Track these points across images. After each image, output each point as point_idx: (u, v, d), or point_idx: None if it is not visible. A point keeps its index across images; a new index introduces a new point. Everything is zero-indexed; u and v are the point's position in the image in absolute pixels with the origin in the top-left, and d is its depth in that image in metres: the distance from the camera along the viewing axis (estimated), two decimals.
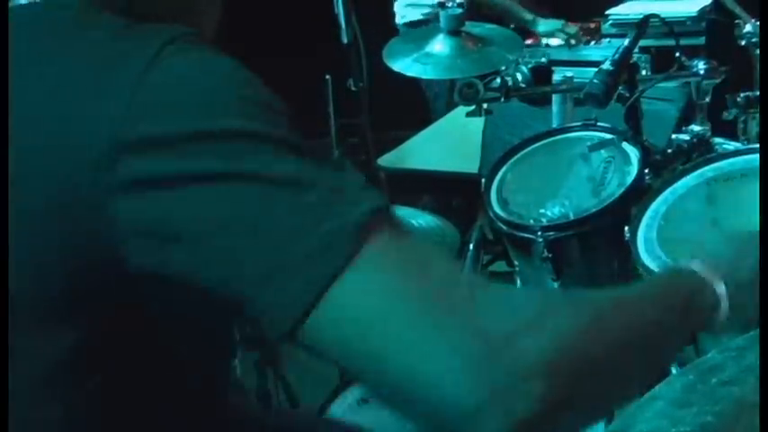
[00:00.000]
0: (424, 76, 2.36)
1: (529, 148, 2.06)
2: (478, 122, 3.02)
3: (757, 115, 1.95)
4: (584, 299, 0.77)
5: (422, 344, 0.68)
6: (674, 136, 1.98)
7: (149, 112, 0.74)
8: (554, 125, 2.22)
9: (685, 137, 1.95)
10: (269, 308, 0.73)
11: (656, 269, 1.59)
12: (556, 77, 2.26)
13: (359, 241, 0.71)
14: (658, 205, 1.72)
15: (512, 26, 3.41)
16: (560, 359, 0.69)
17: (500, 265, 2.99)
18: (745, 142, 1.95)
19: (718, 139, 1.97)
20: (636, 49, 1.98)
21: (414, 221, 2.19)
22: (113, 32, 0.81)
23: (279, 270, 0.71)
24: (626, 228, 1.68)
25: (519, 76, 2.13)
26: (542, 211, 1.86)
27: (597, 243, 1.84)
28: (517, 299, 0.76)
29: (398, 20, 3.63)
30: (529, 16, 3.53)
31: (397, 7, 3.62)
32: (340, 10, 2.38)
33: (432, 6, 3.33)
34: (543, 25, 3.50)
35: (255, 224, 0.72)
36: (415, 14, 3.51)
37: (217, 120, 0.75)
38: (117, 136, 0.74)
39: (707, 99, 1.99)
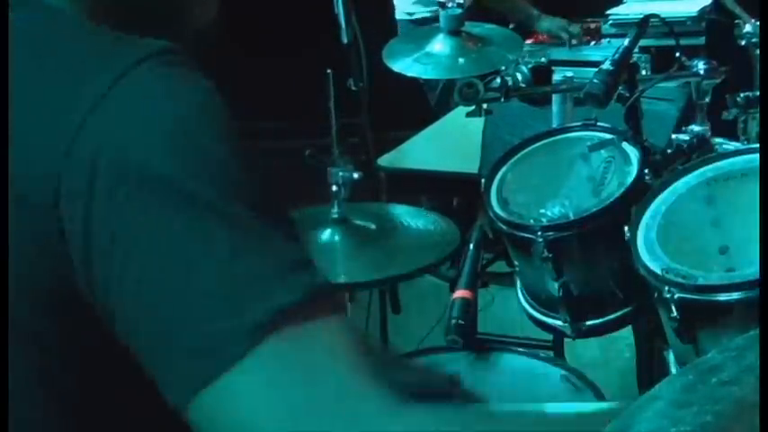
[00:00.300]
0: (424, 76, 2.37)
1: (529, 148, 2.06)
2: (478, 122, 3.02)
3: (757, 115, 1.95)
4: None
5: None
6: (674, 136, 1.98)
7: (96, 138, 0.73)
8: (554, 125, 2.22)
9: (685, 137, 1.95)
10: (159, 379, 0.72)
11: (656, 269, 1.59)
12: (556, 77, 2.26)
13: (251, 343, 0.68)
14: (658, 205, 1.72)
15: (511, 26, 3.41)
16: None
17: (500, 265, 3.00)
18: (745, 142, 1.95)
19: (718, 139, 1.97)
20: (636, 49, 1.98)
21: (414, 221, 2.19)
22: (93, 45, 0.80)
23: (166, 353, 0.70)
24: (626, 228, 1.68)
25: (519, 76, 2.13)
26: (542, 211, 1.86)
27: (597, 243, 1.84)
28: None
29: (400, 15, 3.62)
30: (534, 12, 3.53)
31: (398, 1, 3.61)
32: (340, 10, 2.39)
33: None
34: (547, 22, 3.49)
35: (160, 294, 0.70)
36: (424, 11, 3.51)
37: (153, 169, 0.72)
38: (61, 157, 0.73)
39: (707, 99, 1.99)
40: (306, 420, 0.67)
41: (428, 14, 3.46)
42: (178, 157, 0.73)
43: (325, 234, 2.01)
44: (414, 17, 3.59)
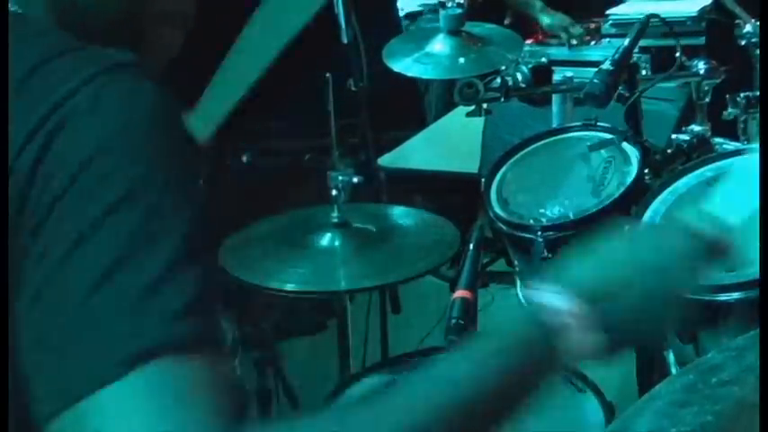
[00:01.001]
0: (424, 76, 2.36)
1: (529, 148, 2.06)
2: (478, 122, 3.02)
3: (757, 115, 1.95)
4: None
5: None
6: (674, 136, 1.98)
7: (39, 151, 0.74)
8: (554, 125, 2.22)
9: (685, 137, 1.95)
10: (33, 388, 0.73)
11: None
12: (556, 77, 2.26)
13: (126, 366, 0.69)
14: (658, 205, 1.72)
15: (507, 21, 3.41)
16: None
17: (500, 265, 3.00)
18: (745, 142, 1.95)
19: (718, 139, 1.97)
20: (636, 49, 1.98)
21: (414, 223, 2.19)
22: (59, 50, 0.81)
23: (44, 364, 0.72)
24: (626, 227, 1.67)
25: (519, 76, 2.13)
26: (542, 211, 1.86)
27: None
28: None
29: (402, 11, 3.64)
30: (539, 4, 3.48)
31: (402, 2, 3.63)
32: (340, 10, 2.38)
33: None
34: (549, 18, 3.45)
35: (59, 307, 0.72)
36: (413, 5, 3.51)
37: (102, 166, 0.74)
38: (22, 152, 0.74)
39: (707, 99, 1.99)
40: None
41: (417, 8, 3.46)
42: (109, 175, 0.74)
43: (326, 239, 2.01)
44: (404, 13, 3.59)
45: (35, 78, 0.79)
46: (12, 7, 0.87)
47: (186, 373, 0.71)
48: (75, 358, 0.71)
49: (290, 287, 1.88)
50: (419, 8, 3.46)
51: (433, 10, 2.46)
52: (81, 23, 0.88)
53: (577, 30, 3.36)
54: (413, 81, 2.89)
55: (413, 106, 3.62)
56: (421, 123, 3.60)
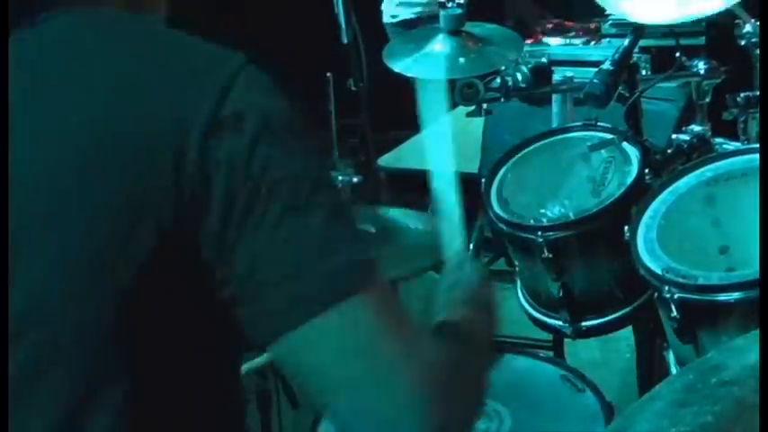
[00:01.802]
0: (424, 77, 2.36)
1: (529, 148, 2.06)
2: (478, 122, 3.02)
3: (757, 115, 1.95)
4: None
5: (389, 384, 0.81)
6: (674, 136, 1.98)
7: (232, 124, 0.83)
8: (554, 125, 2.22)
9: (685, 137, 1.95)
10: (248, 319, 0.83)
11: (656, 269, 1.59)
12: (556, 77, 2.26)
13: (360, 282, 0.84)
14: (658, 205, 1.72)
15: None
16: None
17: (500, 265, 2.99)
18: (745, 142, 1.95)
19: (718, 139, 1.97)
20: (636, 49, 1.98)
21: (413, 223, 2.18)
22: (173, 42, 0.89)
23: (287, 280, 0.81)
24: (626, 228, 1.68)
25: (519, 76, 2.13)
26: (542, 211, 1.86)
27: (597, 243, 1.84)
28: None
29: (386, 18, 3.57)
30: (536, 12, 3.56)
31: (384, 5, 3.56)
32: (340, 10, 2.39)
33: (424, 5, 3.31)
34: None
35: (287, 239, 0.82)
36: (408, 13, 3.48)
37: (283, 149, 0.85)
38: (202, 137, 0.82)
39: (707, 99, 1.99)
40: (406, 356, 0.83)
41: (412, 16, 3.43)
42: (298, 147, 0.87)
43: None
44: (397, 20, 3.54)
45: (187, 69, 0.87)
46: None
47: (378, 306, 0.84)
48: (297, 286, 0.81)
49: None
50: (413, 16, 3.42)
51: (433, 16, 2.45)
52: None
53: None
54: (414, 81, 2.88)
55: (413, 106, 3.61)
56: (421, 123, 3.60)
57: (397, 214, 2.24)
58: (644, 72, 2.29)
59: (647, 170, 1.83)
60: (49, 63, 0.87)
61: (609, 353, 2.85)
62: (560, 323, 1.90)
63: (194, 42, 0.89)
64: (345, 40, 2.42)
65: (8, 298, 0.81)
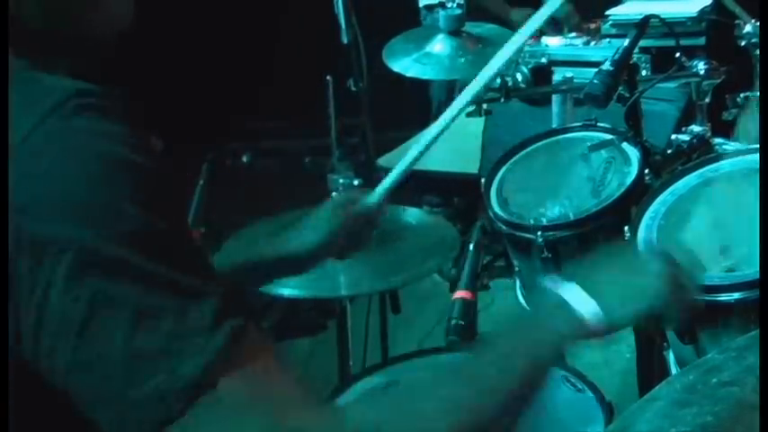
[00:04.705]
0: (423, 77, 2.36)
1: (529, 149, 2.06)
2: (478, 123, 3.02)
3: (756, 115, 1.95)
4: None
5: None
6: (674, 136, 1.97)
7: (24, 195, 0.77)
8: (554, 125, 2.22)
9: (685, 137, 1.95)
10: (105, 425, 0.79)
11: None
12: (556, 77, 2.26)
13: (188, 398, 0.76)
14: (658, 205, 1.72)
15: None
16: None
17: (500, 266, 3.00)
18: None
19: (718, 139, 1.96)
20: (636, 50, 1.98)
21: (413, 223, 2.18)
22: (16, 80, 0.83)
23: (111, 406, 0.78)
24: (626, 228, 1.68)
25: (519, 76, 2.13)
26: (542, 211, 1.86)
27: (597, 243, 1.84)
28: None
29: (421, 2, 3.67)
30: (505, 8, 3.59)
31: None
32: (340, 10, 2.38)
33: None
34: (516, 14, 3.54)
35: (102, 353, 0.77)
36: None
37: (79, 230, 0.77)
38: None
39: (707, 99, 1.99)
40: None
41: (436, 1, 3.47)
42: (90, 222, 0.77)
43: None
44: (424, 2, 3.63)
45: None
46: None
47: (250, 380, 0.79)
48: (145, 394, 0.76)
49: (287, 293, 1.87)
50: (437, 0, 3.47)
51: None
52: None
53: None
54: (414, 81, 2.88)
55: (413, 106, 3.62)
56: (421, 123, 3.60)
57: (397, 214, 2.24)
58: (644, 72, 2.28)
59: (647, 170, 1.83)
60: None
61: (609, 353, 2.85)
62: None
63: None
64: (345, 41, 2.42)
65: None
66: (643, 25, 2.00)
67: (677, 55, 2.01)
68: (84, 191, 0.78)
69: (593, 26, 3.30)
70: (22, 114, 0.80)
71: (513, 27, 3.22)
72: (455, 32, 2.31)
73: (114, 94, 0.83)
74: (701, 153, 1.90)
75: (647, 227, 1.68)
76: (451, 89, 3.13)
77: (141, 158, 0.81)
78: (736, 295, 1.49)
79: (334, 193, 2.00)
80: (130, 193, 0.79)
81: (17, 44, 0.87)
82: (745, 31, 2.01)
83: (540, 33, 3.36)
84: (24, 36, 0.88)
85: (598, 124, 2.02)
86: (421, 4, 3.67)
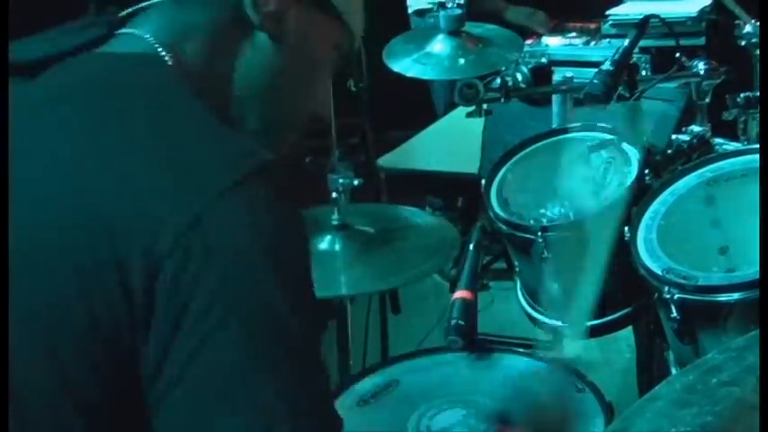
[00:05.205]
0: (423, 77, 2.36)
1: (529, 149, 2.06)
2: (478, 123, 3.02)
3: (757, 115, 1.95)
4: None
5: None
6: (674, 136, 1.97)
7: (192, 258, 0.77)
8: (554, 125, 2.22)
9: (685, 137, 1.95)
10: None
11: (656, 269, 1.59)
12: (556, 77, 2.26)
13: None
14: (658, 205, 1.72)
15: None
16: None
17: (500, 266, 2.99)
18: (745, 142, 1.95)
19: (718, 140, 1.97)
20: (636, 50, 1.98)
21: (414, 223, 2.18)
22: (198, 135, 0.84)
23: None
24: (626, 228, 1.68)
25: (519, 76, 2.13)
26: (542, 211, 1.86)
27: (597, 243, 1.84)
28: None
29: (411, 8, 3.65)
30: (502, 4, 3.58)
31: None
32: None
33: None
34: (512, 12, 3.54)
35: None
36: (422, 2, 3.52)
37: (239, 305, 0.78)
38: (153, 258, 0.77)
39: (707, 99, 1.99)
40: None
41: (428, 6, 3.46)
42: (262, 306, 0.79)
43: (325, 242, 2.00)
44: (413, 8, 3.61)
45: (186, 161, 0.82)
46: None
47: None
48: None
49: None
50: (428, 5, 3.46)
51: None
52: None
53: (540, 15, 3.44)
54: (415, 81, 2.88)
55: (413, 106, 3.62)
56: (421, 123, 3.61)
57: (397, 214, 2.24)
58: (644, 72, 2.28)
59: (647, 170, 1.83)
60: (53, 116, 0.86)
61: (609, 353, 2.85)
62: (560, 323, 1.89)
63: (202, 138, 0.85)
64: None
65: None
66: (643, 25, 2.00)
67: (677, 55, 2.01)
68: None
69: (593, 26, 3.30)
70: (220, 170, 0.81)
71: (509, 26, 3.25)
72: (455, 32, 2.31)
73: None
74: (701, 153, 1.90)
75: (647, 227, 1.68)
76: (453, 89, 3.13)
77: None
78: (736, 295, 1.49)
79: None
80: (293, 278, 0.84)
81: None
82: (745, 31, 2.01)
83: (539, 34, 3.37)
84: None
85: (598, 124, 2.02)
86: (410, 10, 3.64)
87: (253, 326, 0.78)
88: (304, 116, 1.03)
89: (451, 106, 3.46)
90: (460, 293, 1.73)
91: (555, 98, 2.25)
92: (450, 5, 2.34)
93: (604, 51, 2.78)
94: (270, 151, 0.86)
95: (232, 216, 0.79)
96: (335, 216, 2.01)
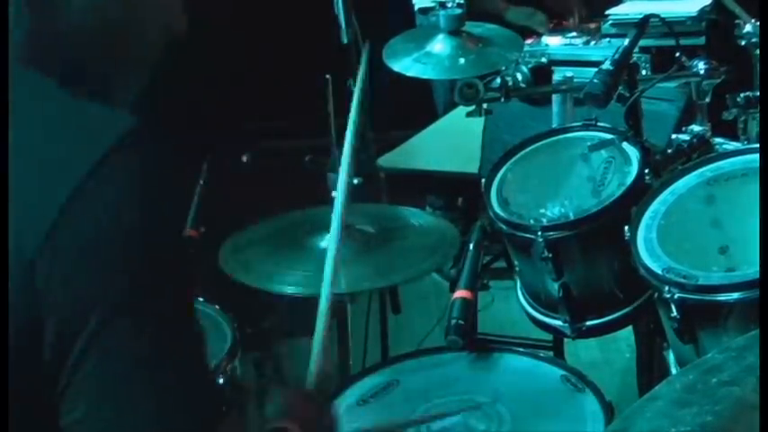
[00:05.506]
0: (423, 76, 2.36)
1: (529, 148, 2.06)
2: (478, 122, 3.02)
3: (757, 115, 1.95)
4: None
5: None
6: (674, 136, 1.98)
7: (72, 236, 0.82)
8: (554, 125, 2.22)
9: (685, 137, 1.95)
10: None
11: (656, 269, 1.59)
12: (556, 77, 2.26)
13: None
14: (658, 205, 1.72)
15: None
16: None
17: (500, 266, 2.99)
18: (745, 142, 1.95)
19: (718, 139, 1.97)
20: (636, 49, 1.98)
21: (414, 223, 2.18)
22: (62, 109, 0.87)
23: None
24: (626, 228, 1.68)
25: (519, 76, 2.13)
26: (542, 211, 1.86)
27: (597, 243, 1.84)
28: None
29: (416, 6, 3.66)
30: (502, 4, 3.59)
31: None
32: (340, 10, 2.38)
33: None
34: (512, 13, 3.54)
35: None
36: (426, 0, 3.52)
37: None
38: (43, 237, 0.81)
39: (707, 99, 1.99)
40: None
41: (431, 4, 3.47)
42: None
43: (325, 241, 2.00)
44: (418, 5, 3.62)
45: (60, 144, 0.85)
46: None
47: None
48: None
49: (290, 290, 1.87)
50: (432, 3, 3.46)
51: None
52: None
53: (540, 16, 3.44)
54: (414, 81, 2.88)
55: (412, 106, 3.62)
56: (422, 123, 3.61)
57: (396, 214, 2.24)
58: (644, 72, 2.28)
59: (647, 170, 1.83)
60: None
61: (609, 353, 2.85)
62: (560, 323, 1.90)
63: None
64: (345, 41, 2.42)
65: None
66: (643, 25, 2.00)
67: (677, 55, 2.01)
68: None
69: (593, 26, 3.30)
70: (80, 150, 0.84)
71: (509, 26, 3.25)
72: (455, 32, 2.31)
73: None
74: (701, 153, 1.90)
75: (647, 227, 1.68)
76: (453, 89, 3.13)
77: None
78: (736, 295, 1.49)
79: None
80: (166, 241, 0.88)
81: (64, 75, 0.90)
82: (745, 30, 2.01)
83: (539, 34, 3.37)
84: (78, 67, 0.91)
85: (598, 124, 2.02)
86: (416, 8, 3.66)
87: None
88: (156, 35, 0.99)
89: (452, 106, 3.46)
90: (460, 293, 1.73)
91: (555, 98, 2.25)
92: (450, 5, 2.34)
93: (604, 51, 2.78)
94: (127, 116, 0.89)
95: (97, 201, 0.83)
96: None
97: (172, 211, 0.89)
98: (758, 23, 2.00)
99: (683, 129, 1.99)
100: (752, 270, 1.51)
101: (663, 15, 2.15)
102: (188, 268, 0.92)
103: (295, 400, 1.18)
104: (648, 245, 1.64)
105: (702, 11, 2.96)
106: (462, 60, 2.27)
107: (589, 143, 1.97)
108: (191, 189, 0.91)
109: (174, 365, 0.86)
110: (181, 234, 0.90)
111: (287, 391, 1.21)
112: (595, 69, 1.90)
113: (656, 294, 1.60)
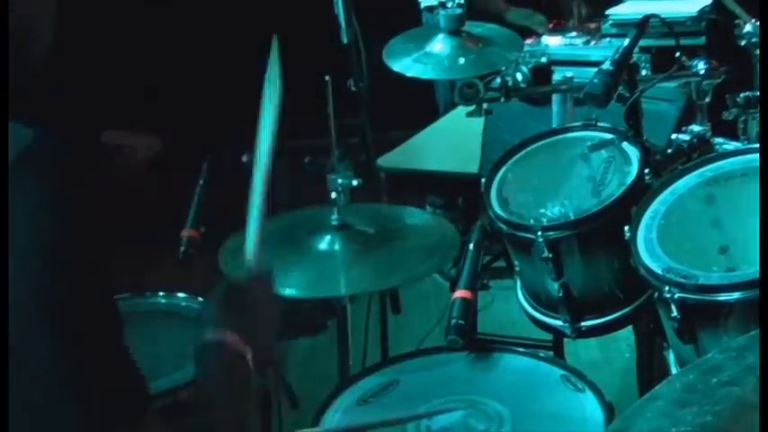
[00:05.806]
0: (423, 76, 2.36)
1: (529, 148, 2.06)
2: (479, 122, 3.02)
3: (757, 115, 1.95)
4: None
5: None
6: (674, 136, 1.97)
7: None
8: (554, 125, 2.22)
9: (685, 137, 1.95)
10: None
11: (656, 269, 1.59)
12: (556, 77, 2.26)
13: None
14: (658, 205, 1.72)
15: None
16: None
17: (500, 265, 2.99)
18: (745, 142, 1.95)
19: (718, 139, 1.97)
20: (636, 49, 1.98)
21: (414, 223, 2.18)
22: None
23: None
24: (626, 228, 1.68)
25: (519, 76, 2.13)
26: (542, 210, 1.86)
27: (597, 243, 1.84)
28: None
29: (423, 3, 3.67)
30: (503, 5, 3.60)
31: None
32: (340, 10, 2.38)
33: None
34: (512, 14, 3.55)
35: None
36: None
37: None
38: None
39: (707, 99, 1.99)
40: None
41: (436, 2, 3.48)
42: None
43: (325, 242, 2.00)
44: (424, 3, 3.63)
45: None
46: None
47: None
48: None
49: (289, 292, 1.87)
50: (436, 1, 3.47)
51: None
52: None
53: (539, 17, 3.45)
54: (414, 81, 2.89)
55: (412, 106, 3.62)
56: (421, 123, 3.61)
57: (396, 214, 2.24)
58: (644, 72, 2.28)
59: (647, 170, 1.83)
60: None
61: (609, 353, 2.85)
62: (560, 323, 1.90)
63: None
64: (345, 41, 2.42)
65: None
66: (643, 25, 2.00)
67: (677, 54, 2.01)
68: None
69: (593, 26, 3.30)
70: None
71: (509, 26, 3.25)
72: (455, 32, 2.31)
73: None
74: (701, 153, 1.90)
75: (647, 227, 1.68)
76: (453, 89, 3.13)
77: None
78: (736, 295, 1.49)
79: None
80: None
81: None
82: (745, 30, 2.01)
83: (538, 34, 3.37)
84: None
85: (598, 124, 2.02)
86: (422, 6, 3.68)
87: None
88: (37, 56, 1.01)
89: (452, 106, 3.46)
90: (460, 293, 1.73)
91: (555, 98, 2.25)
92: (450, 5, 2.34)
93: (604, 51, 2.78)
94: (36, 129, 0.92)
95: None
96: (335, 216, 2.01)
97: (77, 221, 0.91)
98: (758, 23, 2.00)
99: (683, 129, 1.99)
100: (752, 270, 1.51)
101: (663, 15, 2.15)
102: (103, 275, 0.93)
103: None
104: (648, 245, 1.64)
105: (702, 11, 2.96)
106: (462, 60, 2.27)
107: (589, 143, 1.97)
108: (98, 195, 0.91)
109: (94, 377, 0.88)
110: (92, 237, 0.91)
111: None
112: (595, 69, 1.90)
113: (656, 294, 1.60)
